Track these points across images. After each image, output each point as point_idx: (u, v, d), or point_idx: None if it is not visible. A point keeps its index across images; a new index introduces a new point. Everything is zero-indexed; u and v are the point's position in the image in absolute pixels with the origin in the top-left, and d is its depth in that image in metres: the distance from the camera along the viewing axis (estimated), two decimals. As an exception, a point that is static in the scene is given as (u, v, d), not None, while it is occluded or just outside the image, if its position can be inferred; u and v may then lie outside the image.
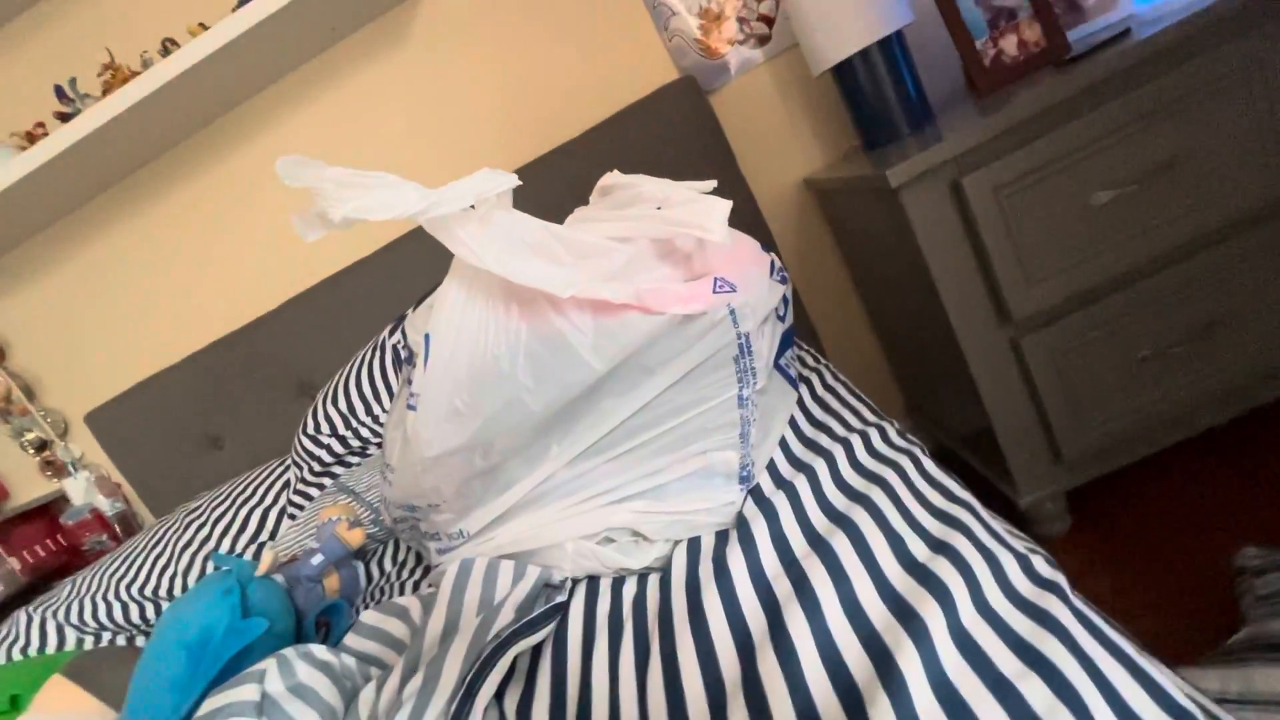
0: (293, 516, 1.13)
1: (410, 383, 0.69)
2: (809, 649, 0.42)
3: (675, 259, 0.61)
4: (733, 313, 0.57)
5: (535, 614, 0.59)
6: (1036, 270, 1.05)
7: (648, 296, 0.55)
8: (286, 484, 1.21)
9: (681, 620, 0.49)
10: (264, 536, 1.12)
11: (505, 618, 0.57)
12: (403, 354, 1.15)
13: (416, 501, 0.69)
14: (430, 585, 0.73)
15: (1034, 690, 0.35)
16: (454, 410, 0.62)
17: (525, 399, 0.60)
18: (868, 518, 0.53)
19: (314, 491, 1.15)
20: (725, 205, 0.53)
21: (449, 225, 0.53)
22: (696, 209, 0.54)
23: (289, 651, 0.62)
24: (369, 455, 1.18)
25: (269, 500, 1.19)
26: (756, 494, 0.63)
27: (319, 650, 0.63)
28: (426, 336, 0.63)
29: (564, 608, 0.61)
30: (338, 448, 1.16)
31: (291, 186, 0.47)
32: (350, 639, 0.65)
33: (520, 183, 0.55)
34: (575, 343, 0.58)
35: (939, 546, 0.48)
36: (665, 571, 0.60)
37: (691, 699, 0.42)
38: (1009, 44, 1.23)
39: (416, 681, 0.53)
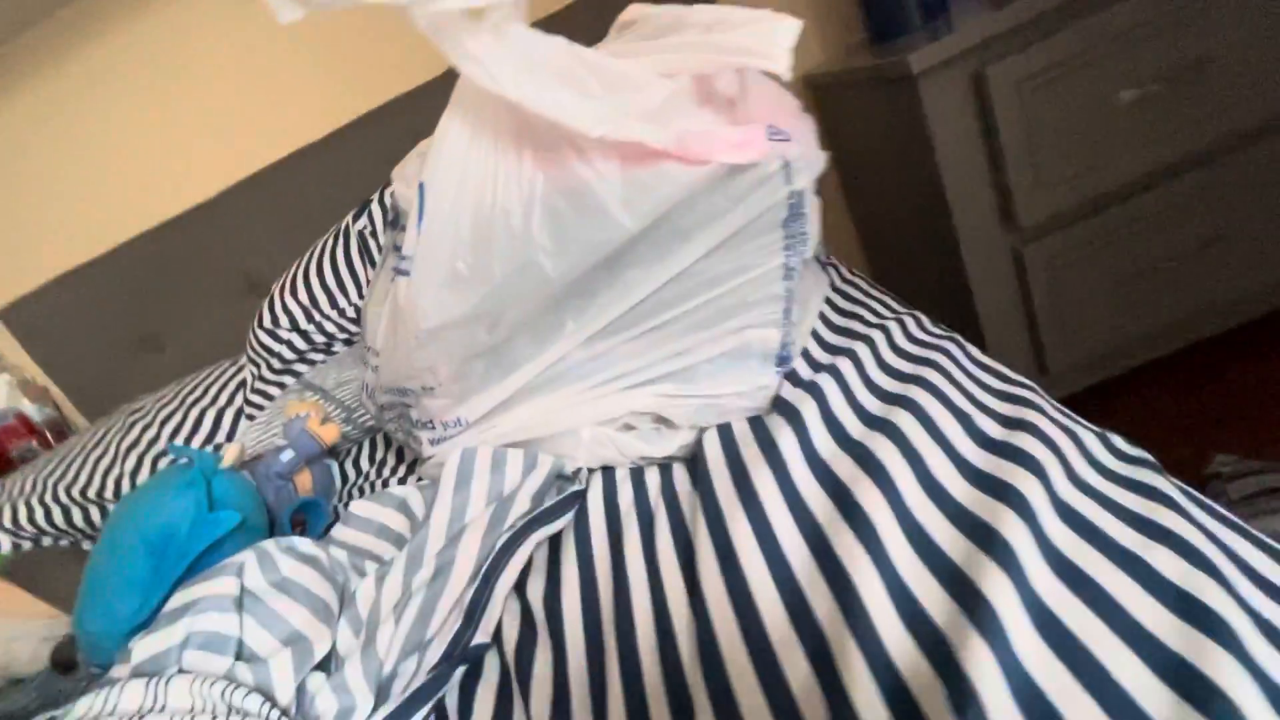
0: (251, 417, 1.03)
1: (398, 248, 0.59)
2: (890, 527, 0.37)
3: (716, 104, 0.53)
4: (787, 166, 0.50)
5: (553, 502, 0.53)
6: (1049, 174, 1.01)
7: (692, 141, 0.47)
8: (242, 384, 1.10)
9: (731, 505, 0.44)
10: (220, 438, 1.02)
11: (521, 506, 0.51)
12: (384, 216, 1.03)
13: (408, 384, 0.61)
14: (424, 478, 0.66)
15: (1164, 561, 0.31)
16: (455, 275, 0.53)
17: (541, 262, 0.52)
18: (928, 396, 0.48)
19: (274, 390, 1.05)
20: (794, 26, 0.45)
21: (456, 34, 0.43)
22: (757, 30, 0.45)
23: (268, 544, 0.55)
24: (334, 353, 1.07)
25: (223, 400, 1.08)
26: (793, 378, 0.57)
27: (303, 543, 0.57)
28: (421, 187, 0.53)
29: (582, 496, 0.55)
30: (299, 343, 1.05)
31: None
32: (340, 531, 0.58)
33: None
34: (602, 196, 0.49)
35: (1013, 423, 0.44)
36: (696, 458, 0.55)
37: (759, 589, 0.38)
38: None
39: (426, 572, 0.47)
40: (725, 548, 0.41)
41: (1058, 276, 1.07)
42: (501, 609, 0.47)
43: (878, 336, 0.60)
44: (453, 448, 0.63)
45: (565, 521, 0.53)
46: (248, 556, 0.52)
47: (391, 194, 0.59)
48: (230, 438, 1.02)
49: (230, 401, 1.08)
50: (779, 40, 0.44)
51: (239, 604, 0.50)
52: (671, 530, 0.48)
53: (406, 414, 0.65)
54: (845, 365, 0.55)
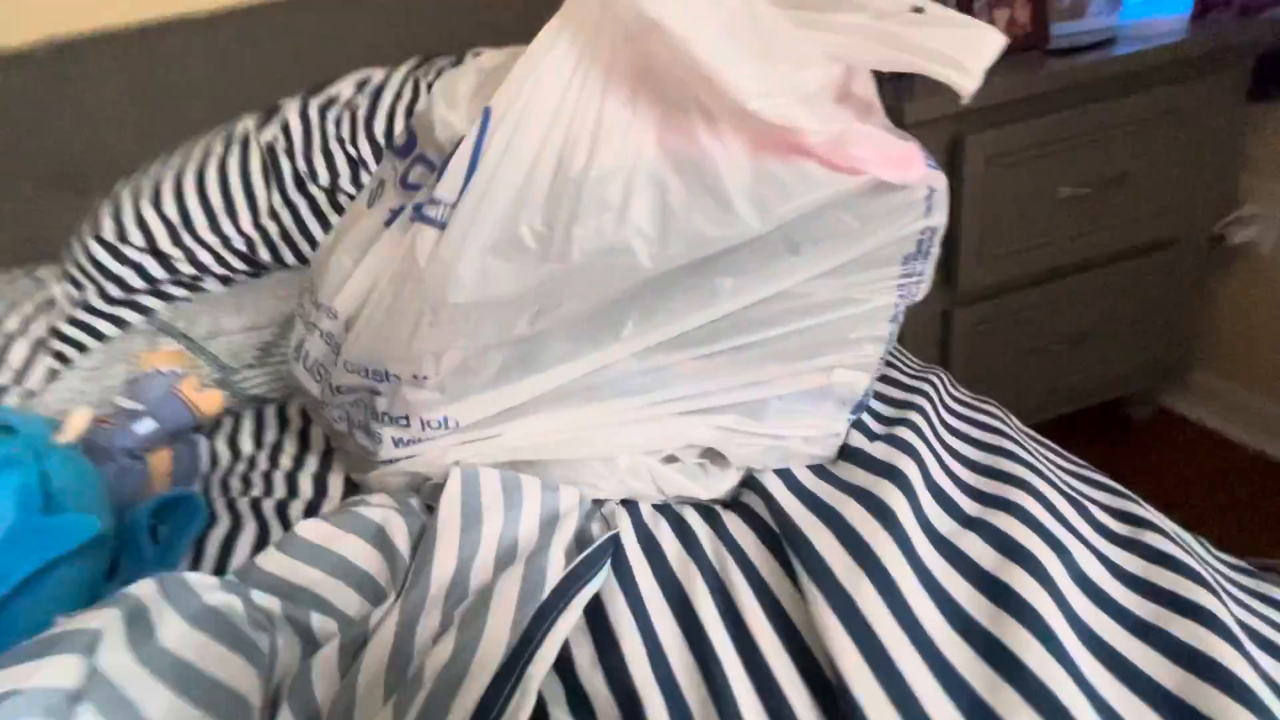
0: (62, 357, 0.75)
1: (415, 186, 0.44)
2: (1071, 639, 0.32)
3: (855, 107, 0.45)
4: (930, 196, 0.44)
5: (590, 549, 0.41)
6: (992, 247, 1.08)
7: (854, 144, 0.39)
8: (49, 306, 0.80)
9: (855, 581, 0.36)
10: (4, 379, 0.73)
11: (557, 566, 0.39)
12: (305, 133, 0.80)
13: (394, 368, 0.45)
14: (381, 490, 0.50)
15: None
16: (516, 241, 0.40)
17: (636, 250, 0.40)
18: (1022, 469, 0.45)
19: (105, 326, 0.77)
20: (998, 41, 0.39)
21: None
22: (954, 35, 0.38)
23: (145, 588, 0.36)
24: (202, 290, 0.82)
25: (13, 325, 0.77)
26: (860, 427, 0.51)
27: (201, 583, 0.38)
28: (486, 113, 0.39)
29: (617, 541, 0.44)
30: (154, 269, 0.79)
31: None
32: (274, 562, 0.40)
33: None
34: (728, 182, 0.39)
35: (1130, 519, 0.42)
36: (747, 505, 0.46)
37: (931, 702, 0.30)
38: (1000, 18, 1.22)
39: (441, 653, 0.33)
40: (866, 637, 0.33)
41: (977, 341, 1.15)
42: (535, 698, 0.35)
43: (930, 390, 0.56)
44: (437, 456, 0.48)
45: (604, 577, 0.41)
46: (110, 616, 0.32)
47: (416, 113, 0.44)
48: (22, 380, 0.73)
49: (24, 329, 0.78)
50: (982, 53, 0.38)
51: (79, 697, 0.30)
52: (756, 594, 0.39)
53: (371, 403, 0.48)
54: (918, 419, 0.50)
